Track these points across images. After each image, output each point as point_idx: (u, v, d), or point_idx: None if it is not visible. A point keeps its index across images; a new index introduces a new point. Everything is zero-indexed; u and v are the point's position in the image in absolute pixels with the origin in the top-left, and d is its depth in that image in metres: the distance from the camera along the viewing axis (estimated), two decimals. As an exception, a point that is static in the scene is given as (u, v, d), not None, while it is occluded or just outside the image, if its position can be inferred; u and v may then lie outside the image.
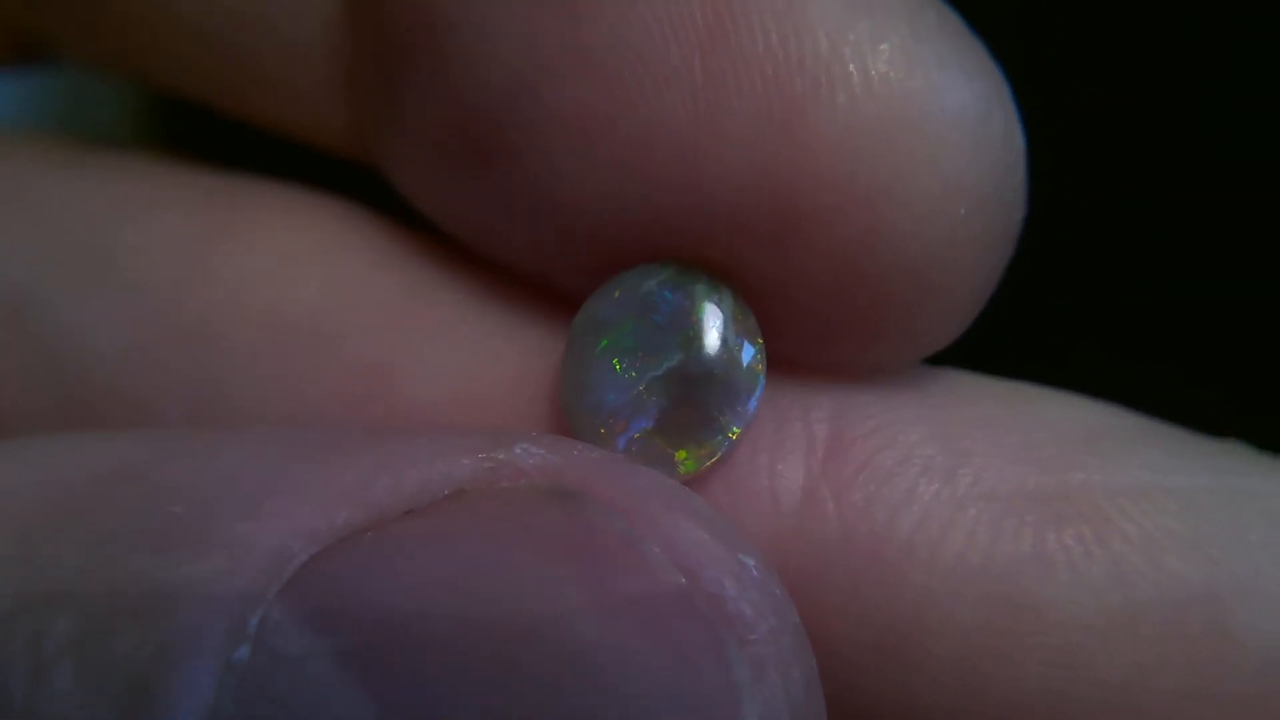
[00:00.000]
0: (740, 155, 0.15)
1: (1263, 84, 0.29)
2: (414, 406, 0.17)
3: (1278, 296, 0.28)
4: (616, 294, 0.16)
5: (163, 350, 0.18)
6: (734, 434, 0.16)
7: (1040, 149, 0.16)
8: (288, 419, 0.17)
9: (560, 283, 0.17)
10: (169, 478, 0.14)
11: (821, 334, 0.16)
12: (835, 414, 0.17)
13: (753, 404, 0.16)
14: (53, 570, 0.13)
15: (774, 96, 0.15)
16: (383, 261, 0.19)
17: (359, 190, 0.20)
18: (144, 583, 0.13)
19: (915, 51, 0.15)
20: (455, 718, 0.12)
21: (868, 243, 0.15)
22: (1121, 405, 0.17)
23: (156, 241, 0.19)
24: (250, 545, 0.13)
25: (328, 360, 0.18)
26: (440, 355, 0.17)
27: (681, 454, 0.16)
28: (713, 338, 0.16)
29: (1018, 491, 0.16)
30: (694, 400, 0.16)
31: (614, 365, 0.16)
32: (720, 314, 0.16)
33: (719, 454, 0.16)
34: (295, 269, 0.18)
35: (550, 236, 0.17)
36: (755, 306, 0.16)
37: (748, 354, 0.16)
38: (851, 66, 0.15)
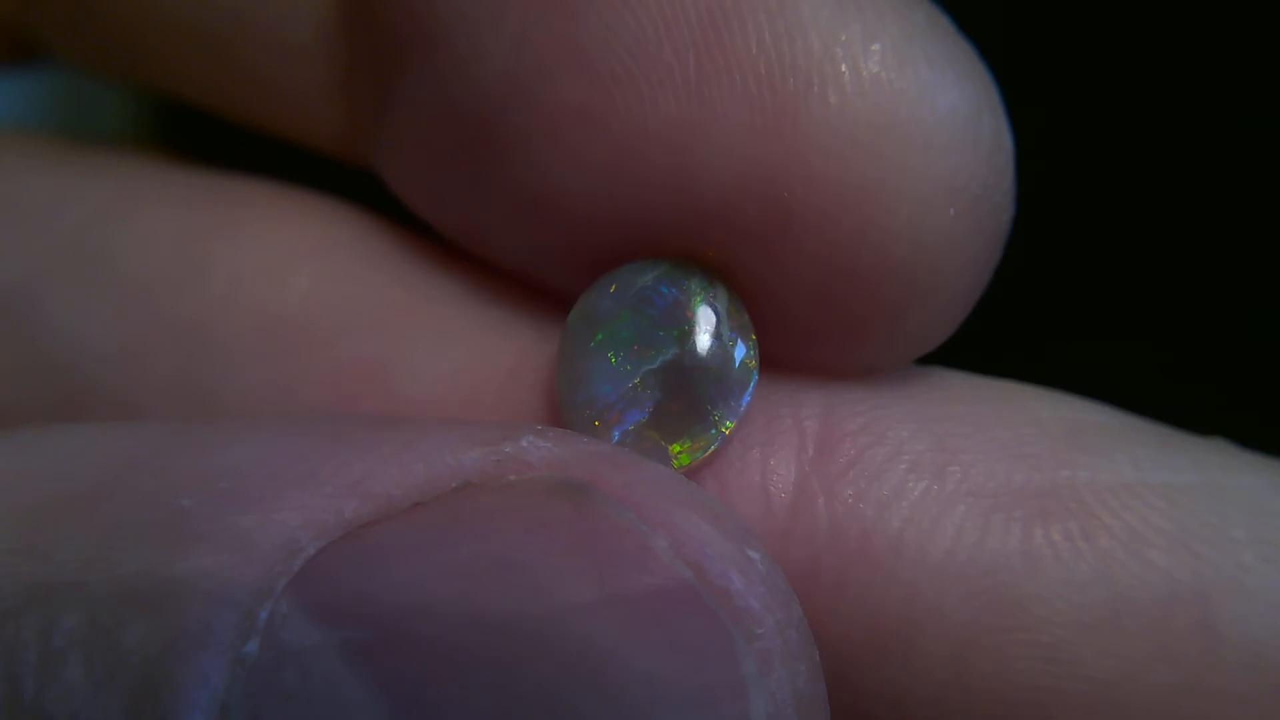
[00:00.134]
0: (732, 153, 0.15)
1: (1238, 84, 0.29)
2: (407, 403, 0.17)
3: (1261, 292, 0.28)
4: (612, 288, 0.16)
5: (154, 348, 0.18)
6: (727, 428, 0.16)
7: (1023, 149, 0.17)
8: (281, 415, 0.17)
9: (553, 281, 0.17)
10: (178, 470, 0.14)
11: (810, 333, 0.16)
12: (826, 410, 0.17)
13: (745, 399, 0.16)
14: (61, 563, 0.13)
15: (766, 96, 0.15)
16: (375, 259, 0.19)
17: (352, 190, 0.20)
18: (153, 576, 0.13)
19: (906, 52, 0.15)
20: (463, 711, 0.12)
21: (857, 242, 0.15)
22: (1107, 402, 0.18)
23: (148, 239, 0.19)
24: (259, 538, 0.13)
25: (320, 357, 0.18)
26: (433, 352, 0.18)
27: (675, 448, 0.16)
28: (707, 333, 0.16)
29: (1006, 488, 0.16)
30: (688, 395, 0.16)
31: (609, 358, 0.16)
32: (715, 310, 0.16)
33: (712, 448, 0.16)
34: (287, 266, 0.18)
35: (543, 235, 0.17)
36: (747, 304, 0.16)
37: (741, 350, 0.16)
38: (843, 66, 0.15)
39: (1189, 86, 0.29)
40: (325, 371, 0.18)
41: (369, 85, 0.18)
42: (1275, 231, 0.28)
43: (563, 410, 0.16)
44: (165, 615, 0.12)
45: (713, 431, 0.16)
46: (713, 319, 0.16)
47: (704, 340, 0.16)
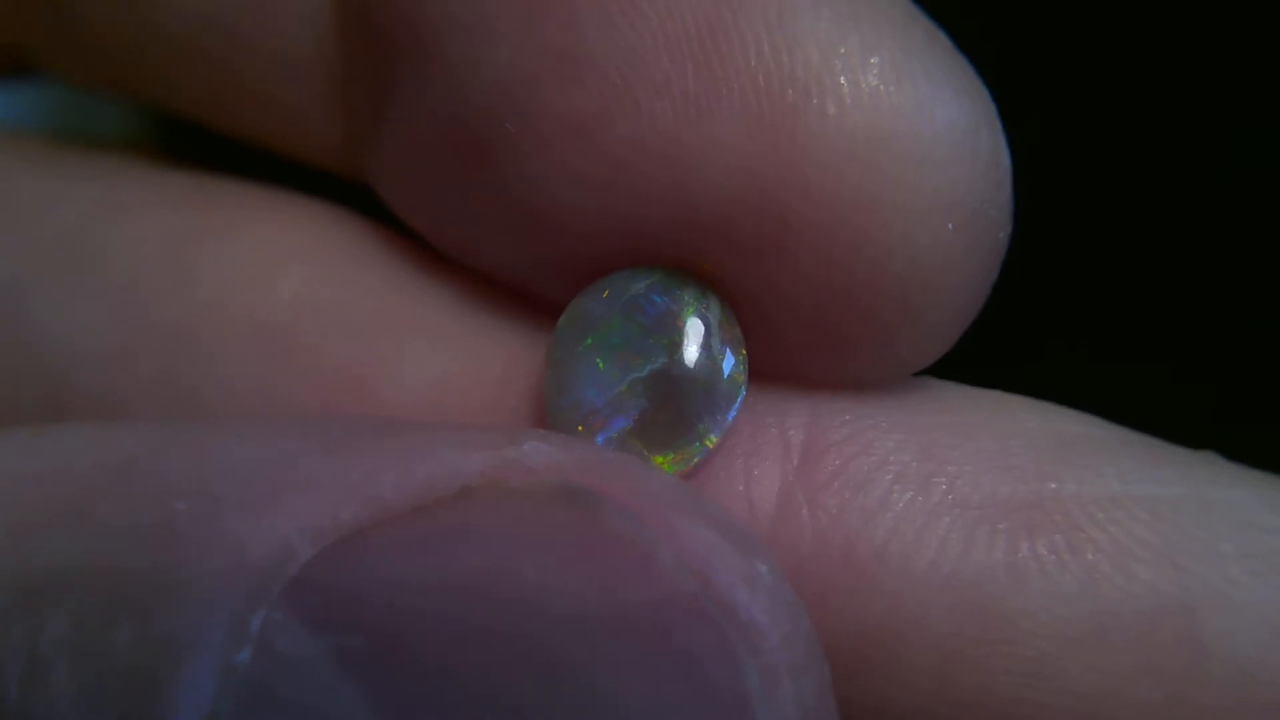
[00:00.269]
0: (728, 164, 0.15)
1: (1233, 95, 0.29)
2: (393, 408, 0.17)
3: (1257, 303, 0.28)
4: (605, 294, 0.16)
5: (142, 350, 0.18)
6: (711, 442, 0.16)
7: (1016, 163, 0.16)
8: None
9: (545, 290, 0.17)
10: (174, 471, 0.13)
11: (804, 347, 0.16)
12: (811, 420, 0.17)
13: (732, 414, 0.16)
14: (52, 565, 0.12)
15: (764, 106, 0.15)
16: (364, 263, 0.18)
17: (343, 194, 0.19)
18: (145, 580, 0.12)
19: (904, 66, 0.15)
20: (452, 716, 0.12)
21: (852, 256, 0.15)
22: (1096, 413, 0.17)
23: (137, 241, 0.19)
24: (253, 543, 0.12)
25: (307, 361, 0.18)
26: (421, 358, 0.17)
27: (659, 459, 0.16)
28: (696, 344, 0.16)
29: (991, 499, 0.16)
30: (674, 405, 0.16)
31: (597, 363, 0.16)
32: (706, 321, 0.16)
33: (695, 460, 0.16)
34: (276, 270, 0.18)
35: (536, 246, 0.17)
36: (742, 316, 0.16)
37: (730, 363, 0.16)
38: (842, 79, 0.15)
39: (1183, 98, 0.29)
40: (312, 375, 0.17)
41: (363, 95, 0.18)
42: (1271, 241, 0.29)
43: (549, 414, 0.16)
44: (155, 621, 0.12)
45: (697, 444, 0.16)
46: (703, 330, 0.16)
47: (693, 351, 0.16)
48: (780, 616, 0.13)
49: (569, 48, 0.15)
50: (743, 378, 0.16)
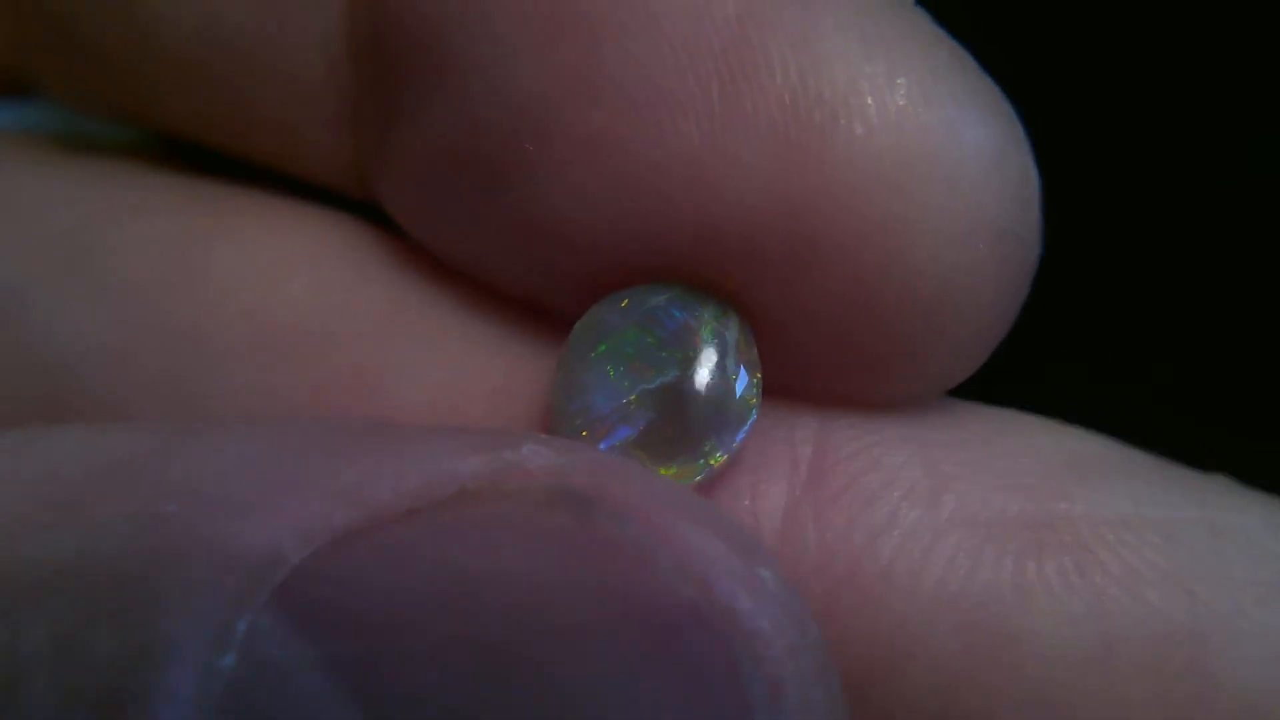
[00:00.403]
0: (755, 183, 0.15)
1: (1237, 107, 0.29)
2: (395, 413, 0.17)
3: (1262, 322, 0.28)
4: (624, 304, 0.16)
5: (146, 352, 0.18)
6: (716, 461, 0.16)
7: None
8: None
9: (553, 302, 0.17)
10: (164, 473, 0.13)
11: (830, 367, 0.16)
12: (819, 435, 0.16)
13: (741, 434, 0.16)
14: (36, 568, 0.12)
15: (791, 126, 0.15)
16: (370, 269, 0.18)
17: (348, 202, 0.19)
18: (129, 585, 0.12)
19: (932, 87, 0.15)
20: None
21: (882, 275, 0.15)
22: (1108, 434, 0.17)
23: (142, 243, 0.19)
24: (242, 546, 0.12)
25: (310, 365, 0.17)
26: (424, 364, 0.17)
27: (661, 471, 0.16)
28: (711, 362, 0.16)
29: (1000, 518, 0.16)
30: (682, 421, 0.16)
31: (608, 371, 0.16)
32: (724, 340, 0.16)
33: (698, 479, 0.16)
34: (281, 274, 0.18)
35: (550, 261, 0.16)
36: (761, 336, 0.16)
37: (743, 384, 0.16)
38: (869, 100, 0.15)
39: (1185, 113, 0.29)
40: (315, 379, 0.17)
41: (376, 116, 0.18)
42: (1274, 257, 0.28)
43: (555, 417, 0.16)
44: (137, 627, 0.12)
45: (701, 462, 0.16)
46: (720, 349, 0.16)
47: (707, 369, 0.16)
48: (785, 625, 0.12)
49: (589, 68, 0.15)
50: (755, 400, 0.16)
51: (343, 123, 0.18)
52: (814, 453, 0.16)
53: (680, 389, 0.16)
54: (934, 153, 0.15)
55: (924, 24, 0.15)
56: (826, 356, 0.16)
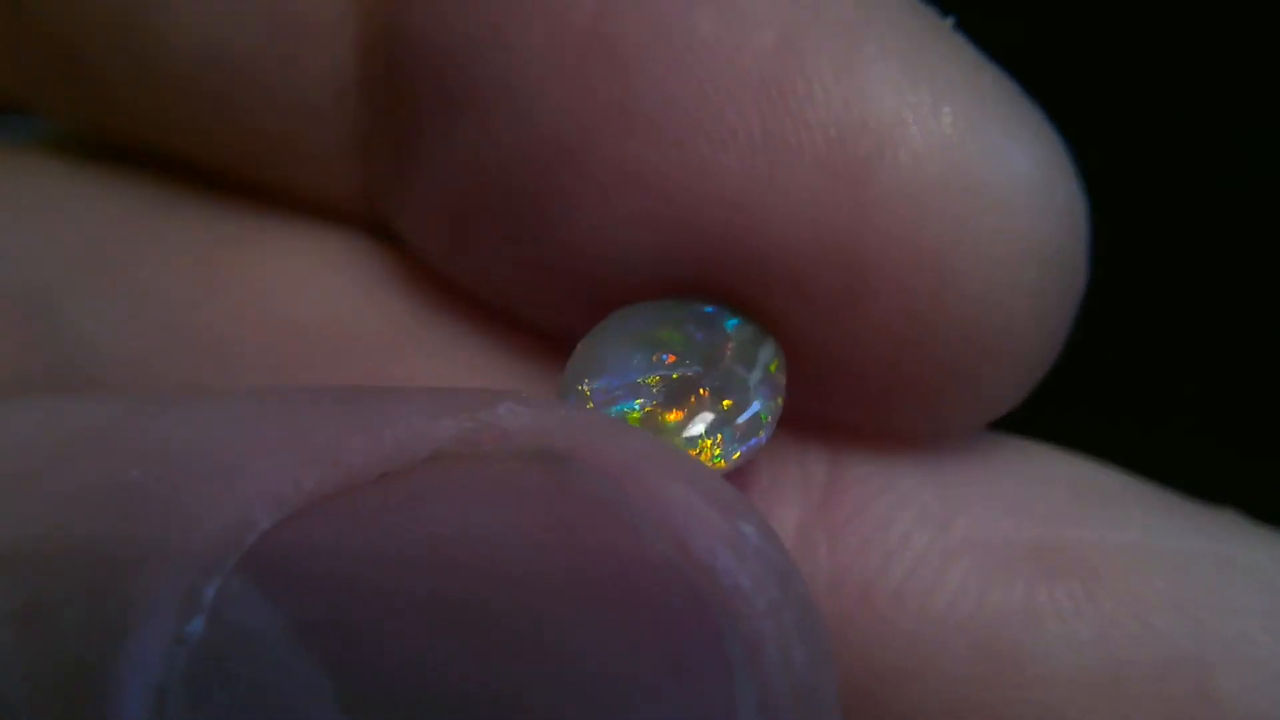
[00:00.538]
0: (801, 215, 0.15)
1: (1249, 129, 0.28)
2: None
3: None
4: (670, 302, 0.16)
5: (169, 355, 0.18)
6: (714, 464, 0.15)
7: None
8: None
9: (575, 327, 0.17)
10: (134, 441, 0.13)
11: (877, 399, 0.16)
12: (832, 457, 0.16)
13: (743, 449, 0.15)
14: (2, 534, 0.12)
15: (838, 157, 0.15)
16: (382, 284, 0.19)
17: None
18: (95, 552, 0.12)
19: (978, 114, 0.15)
20: (417, 697, 0.11)
21: (934, 305, 0.15)
22: (1118, 465, 0.17)
23: (166, 251, 0.19)
24: (210, 511, 0.12)
25: (327, 374, 0.18)
26: (435, 379, 0.17)
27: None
28: (736, 372, 0.16)
29: (1011, 543, 0.16)
30: (689, 414, 0.15)
31: (631, 354, 0.16)
32: (754, 357, 0.16)
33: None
34: (299, 284, 0.18)
35: (581, 290, 0.16)
36: (802, 368, 0.16)
37: (762, 402, 0.16)
38: (914, 129, 0.14)
39: (1199, 136, 0.29)
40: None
41: (389, 147, 0.18)
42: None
43: (565, 382, 0.16)
44: (104, 593, 0.12)
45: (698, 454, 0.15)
46: (748, 364, 0.16)
47: (729, 375, 0.15)
48: (767, 581, 0.12)
49: (625, 99, 0.15)
50: (768, 420, 0.16)
51: (350, 150, 0.18)
52: (827, 475, 0.16)
53: (696, 385, 0.15)
54: (983, 180, 0.14)
55: (965, 50, 0.15)
56: (872, 390, 0.16)
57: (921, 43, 0.15)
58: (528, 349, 0.18)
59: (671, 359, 0.15)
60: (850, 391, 0.16)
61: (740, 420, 0.15)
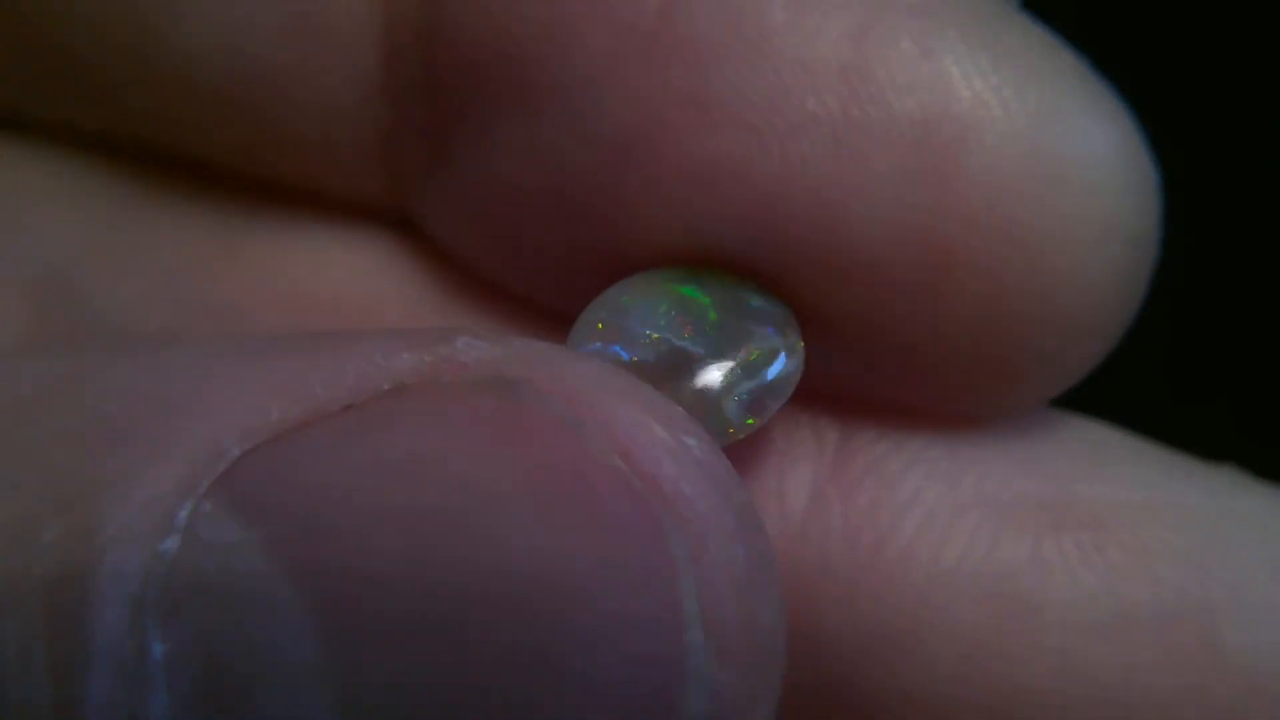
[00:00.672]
0: (885, 204, 0.15)
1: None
2: None
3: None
4: (718, 274, 0.16)
5: (189, 328, 0.19)
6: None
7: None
8: None
9: None
10: (107, 381, 0.14)
11: (947, 384, 0.16)
12: (844, 419, 0.17)
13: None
14: None
15: (923, 142, 0.15)
16: (405, 265, 0.19)
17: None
18: (73, 478, 0.13)
19: (1059, 97, 0.15)
20: (381, 600, 0.12)
21: (1022, 289, 0.15)
22: (1120, 426, 0.18)
23: (186, 231, 0.19)
24: (182, 440, 0.13)
25: None
26: None
27: None
28: (717, 375, 0.16)
29: (1019, 498, 0.16)
30: (665, 386, 0.15)
31: (660, 306, 0.16)
32: (756, 369, 0.16)
33: None
34: (320, 262, 0.19)
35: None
36: (866, 359, 0.16)
37: (742, 408, 0.16)
38: (999, 112, 0.15)
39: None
40: None
41: (420, 148, 0.18)
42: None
43: (584, 314, 0.16)
44: (82, 515, 0.12)
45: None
46: (741, 374, 0.16)
47: (716, 377, 0.15)
48: (708, 488, 0.12)
49: (696, 91, 0.15)
50: (753, 422, 0.16)
51: (374, 151, 0.18)
52: (839, 436, 0.17)
53: (689, 365, 0.15)
54: (1069, 161, 0.15)
55: (1039, 32, 0.15)
56: (946, 373, 0.16)
57: (997, 26, 0.15)
58: (545, 325, 0.18)
59: (687, 331, 0.16)
60: (919, 377, 0.16)
61: (710, 418, 0.16)
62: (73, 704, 0.12)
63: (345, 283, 0.19)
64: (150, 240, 0.19)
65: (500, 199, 0.17)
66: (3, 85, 0.19)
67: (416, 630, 0.12)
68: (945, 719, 0.16)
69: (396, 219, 0.19)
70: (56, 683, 0.12)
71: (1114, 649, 0.15)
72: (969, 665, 0.15)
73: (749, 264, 0.16)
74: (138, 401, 0.13)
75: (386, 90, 0.18)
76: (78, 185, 0.20)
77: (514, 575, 0.12)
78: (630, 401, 0.13)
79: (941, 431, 0.16)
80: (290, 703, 0.12)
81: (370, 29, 0.18)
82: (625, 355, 0.16)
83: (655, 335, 0.16)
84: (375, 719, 0.12)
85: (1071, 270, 0.15)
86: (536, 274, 0.18)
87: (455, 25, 0.17)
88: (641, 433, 0.13)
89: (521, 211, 0.17)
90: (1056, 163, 0.15)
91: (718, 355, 0.16)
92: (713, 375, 0.15)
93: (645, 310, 0.16)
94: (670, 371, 0.15)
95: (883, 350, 0.16)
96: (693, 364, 0.15)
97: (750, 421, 0.16)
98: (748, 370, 0.16)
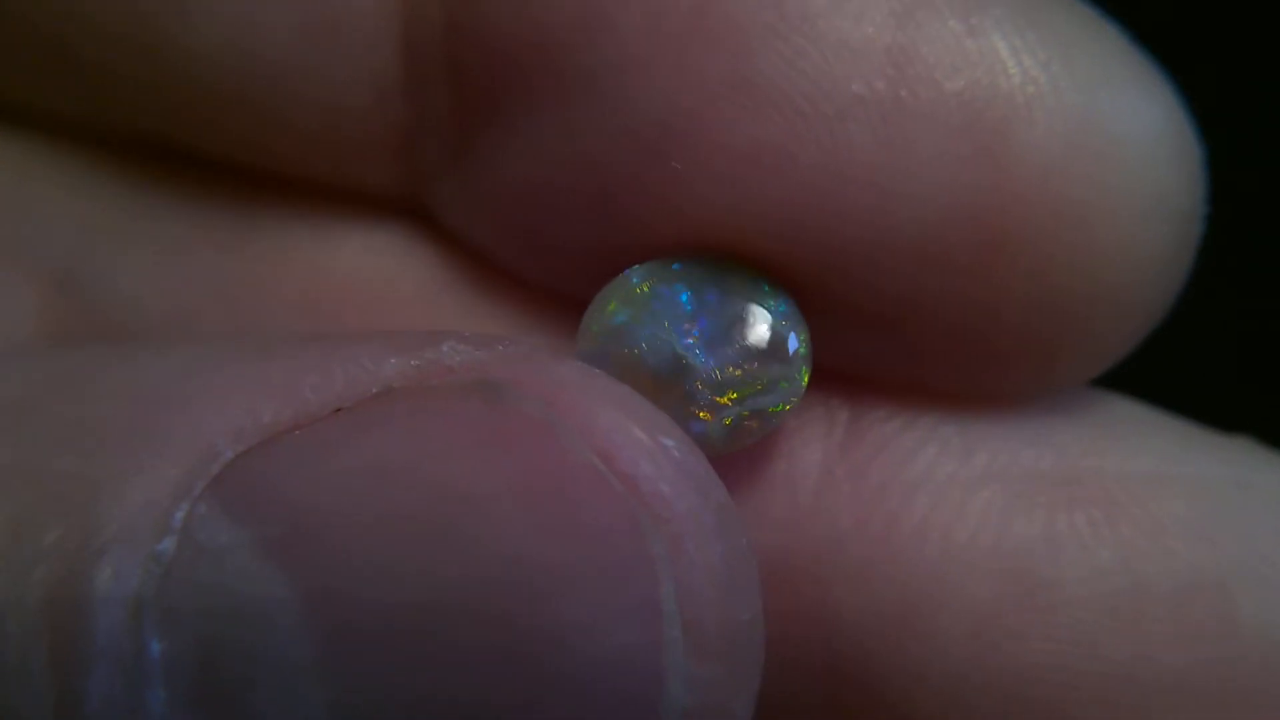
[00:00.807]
0: (935, 185, 0.15)
1: None
2: None
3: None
4: (757, 281, 0.16)
5: (207, 308, 0.19)
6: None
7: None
8: None
9: None
10: (103, 383, 0.14)
11: (994, 365, 0.16)
12: (854, 396, 0.17)
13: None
14: None
15: (972, 121, 0.14)
16: (421, 250, 0.19)
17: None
18: (71, 480, 0.13)
19: (1105, 72, 0.15)
20: (371, 599, 0.12)
21: (1072, 267, 0.15)
22: (1137, 397, 0.17)
23: (201, 217, 0.19)
24: (177, 443, 0.13)
25: (358, 327, 0.18)
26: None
27: None
28: (715, 396, 0.15)
29: (1031, 474, 0.16)
30: (651, 390, 0.15)
31: (681, 301, 0.16)
32: (751, 404, 0.16)
33: None
34: (336, 246, 0.19)
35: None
36: (901, 340, 0.16)
37: (724, 431, 0.16)
38: (1046, 89, 0.14)
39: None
40: None
41: (442, 143, 0.18)
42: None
43: (604, 291, 0.16)
44: (81, 517, 0.13)
45: None
46: (724, 413, 0.16)
47: (695, 408, 0.15)
48: (686, 488, 0.13)
49: (739, 74, 0.15)
50: (727, 424, 0.16)
51: (390, 146, 0.18)
52: (849, 415, 0.17)
53: (688, 375, 0.15)
54: (1116, 138, 0.15)
55: (1082, 8, 0.15)
56: (994, 354, 0.16)
57: (1044, 3, 0.15)
58: (554, 313, 0.18)
59: (691, 338, 0.15)
60: (961, 360, 0.16)
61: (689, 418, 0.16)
62: (73, 703, 0.12)
63: (356, 271, 0.19)
64: (160, 232, 0.19)
65: (523, 191, 0.17)
66: (13, 81, 0.20)
67: (405, 629, 0.12)
68: (957, 697, 0.16)
69: (409, 209, 0.19)
70: (57, 683, 0.12)
71: (1127, 625, 0.15)
72: (981, 644, 0.15)
73: (773, 253, 0.16)
74: (133, 403, 0.14)
75: (405, 87, 0.18)
76: (88, 178, 0.20)
77: (497, 573, 0.12)
78: (609, 403, 0.13)
79: (953, 408, 0.16)
80: (285, 700, 0.12)
81: (388, 28, 0.17)
82: (627, 354, 0.16)
83: (658, 338, 0.16)
84: (368, 715, 0.12)
85: (1121, 246, 0.15)
86: (553, 263, 0.18)
87: (483, 17, 0.16)
88: (620, 434, 0.13)
89: (545, 203, 0.17)
90: (1106, 138, 0.14)
91: (719, 369, 0.15)
92: (707, 396, 0.15)
93: (652, 310, 0.16)
94: (669, 379, 0.16)
95: (926, 334, 0.16)
96: (692, 375, 0.15)
97: (735, 445, 0.16)
98: (743, 397, 0.15)
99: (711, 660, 0.13)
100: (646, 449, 0.13)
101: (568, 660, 0.12)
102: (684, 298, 0.16)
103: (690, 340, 0.15)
